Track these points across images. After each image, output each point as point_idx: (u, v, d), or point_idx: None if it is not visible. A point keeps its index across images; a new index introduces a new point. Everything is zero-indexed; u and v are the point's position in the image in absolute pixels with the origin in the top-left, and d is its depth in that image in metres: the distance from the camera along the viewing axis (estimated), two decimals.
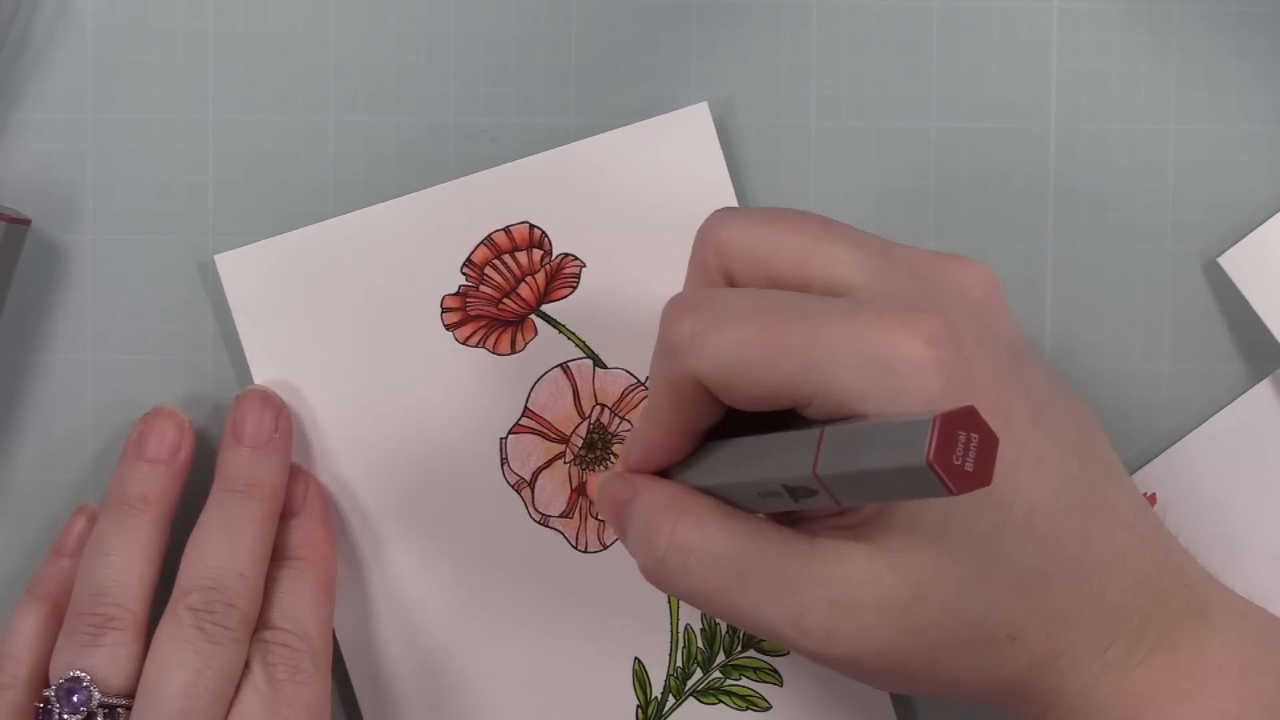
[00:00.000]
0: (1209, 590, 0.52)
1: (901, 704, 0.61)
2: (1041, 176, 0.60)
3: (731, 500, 0.51)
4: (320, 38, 0.60)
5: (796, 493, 0.48)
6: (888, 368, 0.48)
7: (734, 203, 0.59)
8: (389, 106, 0.60)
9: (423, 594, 0.60)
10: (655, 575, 0.52)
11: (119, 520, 0.57)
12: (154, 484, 0.58)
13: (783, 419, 0.51)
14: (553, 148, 0.60)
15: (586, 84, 0.60)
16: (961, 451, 0.44)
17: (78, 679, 0.55)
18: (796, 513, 0.51)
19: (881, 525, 0.49)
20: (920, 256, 0.52)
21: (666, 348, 0.51)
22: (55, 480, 0.60)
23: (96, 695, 0.55)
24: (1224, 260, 0.59)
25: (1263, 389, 0.60)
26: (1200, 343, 0.60)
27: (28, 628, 0.57)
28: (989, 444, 0.44)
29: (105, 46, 0.60)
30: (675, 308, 0.51)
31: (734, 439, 0.52)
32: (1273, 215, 0.60)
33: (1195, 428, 0.60)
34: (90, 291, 0.60)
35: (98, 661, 0.55)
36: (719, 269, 0.52)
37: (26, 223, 0.59)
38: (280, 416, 0.59)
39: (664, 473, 0.54)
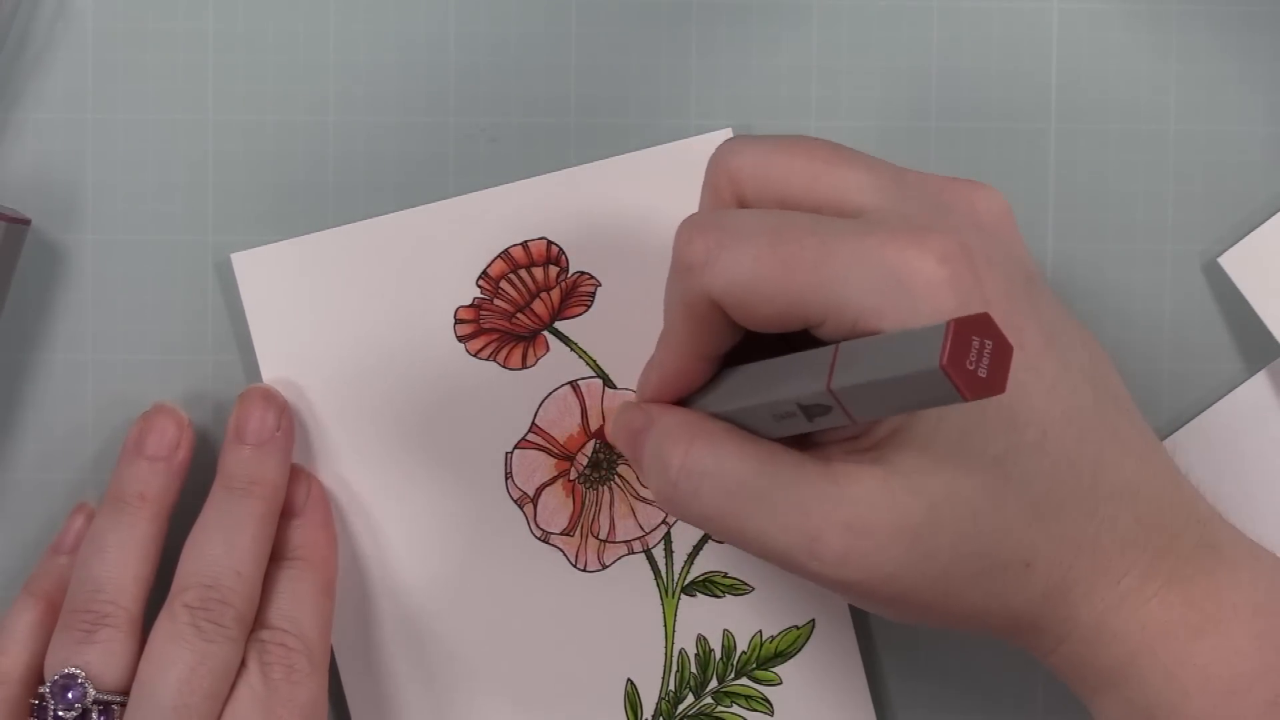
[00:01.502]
0: (1220, 529, 0.53)
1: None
2: (1041, 176, 0.60)
3: (747, 426, 0.51)
4: (320, 38, 0.60)
5: (811, 411, 0.48)
6: (900, 284, 0.48)
7: None
8: (389, 106, 0.60)
9: (420, 600, 0.60)
10: (669, 500, 0.52)
11: (116, 517, 0.57)
12: (152, 482, 0.58)
13: (796, 346, 0.51)
14: (552, 148, 0.60)
15: (586, 84, 0.60)
16: (975, 357, 0.44)
17: (72, 675, 0.55)
18: (812, 437, 0.51)
19: (895, 446, 0.49)
20: (933, 180, 0.52)
21: (680, 268, 0.51)
22: (55, 480, 0.60)
23: (91, 692, 0.55)
24: (1224, 260, 0.59)
25: (1258, 382, 0.60)
26: (1200, 342, 0.60)
27: (23, 624, 0.57)
28: (1003, 351, 0.44)
29: (105, 46, 0.60)
30: (688, 228, 0.51)
31: (748, 364, 0.52)
32: (1273, 215, 0.60)
33: (1189, 421, 0.60)
34: (90, 291, 0.60)
35: (92, 658, 0.55)
36: (731, 195, 0.52)
37: (26, 223, 0.59)
38: (283, 415, 0.59)
39: (681, 402, 0.54)
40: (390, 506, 0.60)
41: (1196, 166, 0.60)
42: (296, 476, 0.59)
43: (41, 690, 0.55)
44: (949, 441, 0.49)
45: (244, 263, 0.59)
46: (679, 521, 0.60)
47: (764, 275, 0.49)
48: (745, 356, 0.53)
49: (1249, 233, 0.60)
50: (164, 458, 0.58)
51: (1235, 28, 0.60)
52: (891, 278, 0.48)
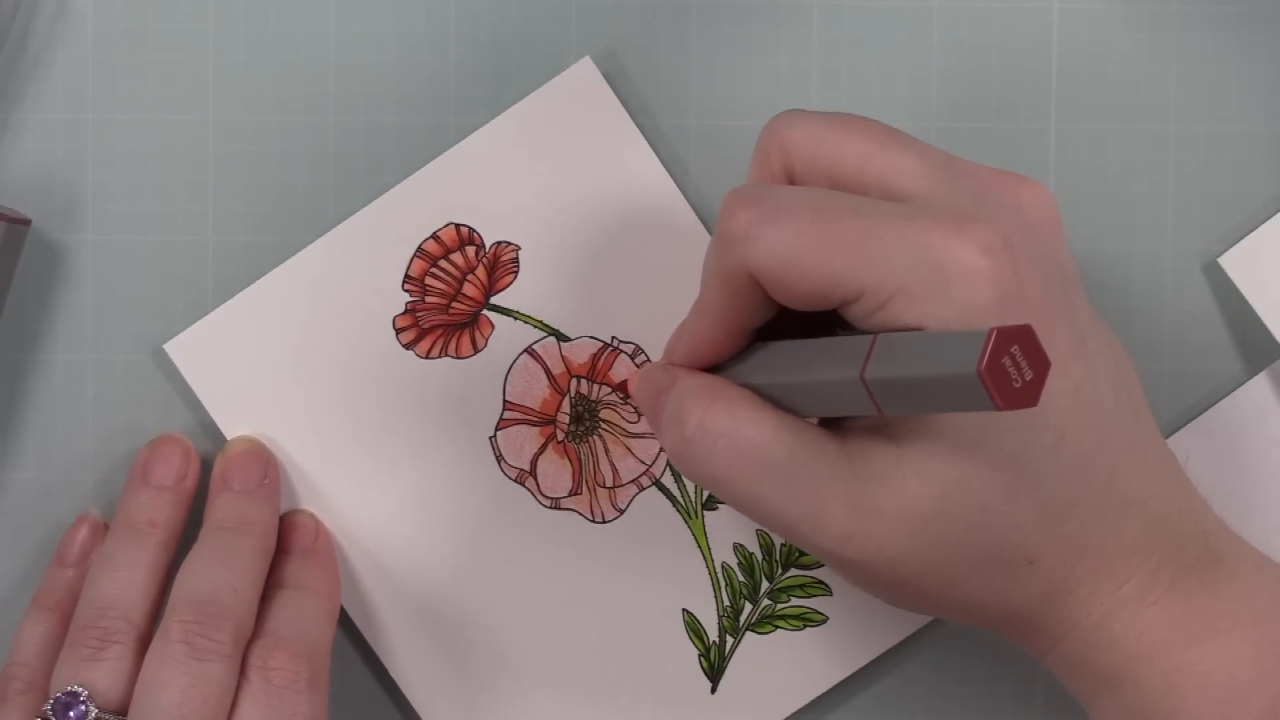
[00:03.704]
0: (1224, 539, 0.53)
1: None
2: (1041, 176, 0.60)
3: (773, 401, 0.51)
4: (320, 38, 0.60)
5: (839, 398, 0.49)
6: (940, 271, 0.48)
7: (645, 145, 0.59)
8: (389, 106, 0.60)
9: (459, 606, 0.60)
10: (681, 457, 0.52)
11: (127, 540, 0.57)
12: (161, 509, 0.58)
13: (828, 329, 0.51)
14: None
15: None
16: (1012, 368, 0.44)
17: (75, 693, 0.54)
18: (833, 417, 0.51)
19: (912, 430, 0.49)
20: (983, 172, 0.52)
21: (722, 238, 0.51)
22: (55, 480, 0.60)
23: (93, 710, 0.54)
24: (1224, 260, 0.59)
25: (1258, 383, 0.60)
26: (1200, 342, 0.60)
27: (39, 636, 0.57)
28: (1040, 365, 0.44)
29: (105, 46, 0.60)
30: (733, 200, 0.51)
31: (779, 341, 0.52)
32: (1273, 215, 0.60)
33: (1189, 421, 0.60)
34: (90, 291, 0.60)
35: (98, 675, 0.54)
36: (781, 166, 0.52)
37: (26, 223, 0.59)
38: (269, 467, 0.59)
39: (710, 371, 0.54)
40: (400, 529, 0.60)
41: (1196, 166, 0.60)
42: (303, 521, 0.59)
43: (44, 708, 0.54)
44: (966, 432, 0.49)
45: (179, 349, 0.59)
46: None
47: (804, 252, 0.49)
48: (780, 332, 0.53)
49: (1249, 233, 0.60)
50: (170, 486, 0.58)
51: (1235, 28, 0.60)
52: (931, 264, 0.48)
